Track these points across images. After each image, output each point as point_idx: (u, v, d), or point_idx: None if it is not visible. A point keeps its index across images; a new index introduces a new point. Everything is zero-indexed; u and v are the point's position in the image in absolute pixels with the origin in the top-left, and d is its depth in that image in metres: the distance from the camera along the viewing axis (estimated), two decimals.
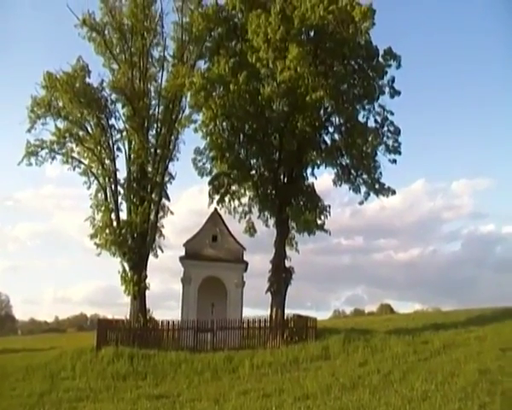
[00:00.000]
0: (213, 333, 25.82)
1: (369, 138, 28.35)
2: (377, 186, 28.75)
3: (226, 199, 30.63)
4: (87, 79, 28.88)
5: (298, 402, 13.89)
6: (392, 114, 29.08)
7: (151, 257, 29.67)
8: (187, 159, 31.25)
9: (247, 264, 31.80)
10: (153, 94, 30.83)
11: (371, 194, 29.22)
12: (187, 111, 29.92)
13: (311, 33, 28.23)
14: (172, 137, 30.41)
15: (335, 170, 29.96)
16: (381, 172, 28.93)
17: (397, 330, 26.67)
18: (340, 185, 30.26)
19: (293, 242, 30.39)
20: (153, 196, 29.64)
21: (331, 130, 30.21)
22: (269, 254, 29.37)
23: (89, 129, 29.29)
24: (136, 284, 27.87)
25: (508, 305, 32.97)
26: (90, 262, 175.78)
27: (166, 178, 30.47)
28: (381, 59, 28.21)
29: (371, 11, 26.37)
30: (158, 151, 30.06)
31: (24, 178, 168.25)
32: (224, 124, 29.05)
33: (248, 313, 37.00)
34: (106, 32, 30.22)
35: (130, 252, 28.28)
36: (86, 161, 29.44)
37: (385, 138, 28.79)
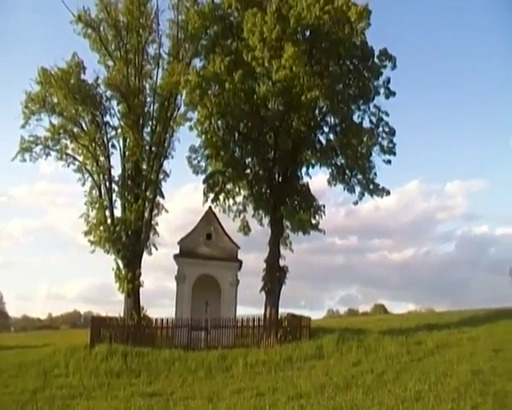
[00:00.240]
0: (207, 331, 25.89)
1: (364, 139, 28.42)
2: (372, 186, 28.84)
3: (221, 197, 30.61)
4: (82, 76, 28.66)
5: (291, 401, 13.92)
6: (387, 114, 29.16)
7: (145, 255, 29.60)
8: (182, 157, 31.27)
9: (241, 262, 31.84)
10: (148, 91, 30.74)
11: (366, 194, 29.33)
12: (182, 109, 29.91)
13: (307, 33, 28.16)
14: (167, 135, 30.25)
15: (330, 170, 30.05)
16: (375, 173, 29.08)
17: (390, 330, 26.82)
18: (335, 185, 30.37)
19: (288, 241, 30.55)
20: (147, 193, 29.52)
21: (326, 130, 30.32)
22: (263, 253, 29.49)
23: (83, 126, 29.06)
24: (130, 281, 27.78)
25: (500, 306, 33.13)
26: (84, 259, 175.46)
27: (161, 176, 30.35)
28: (376, 60, 28.26)
29: (367, 11, 26.48)
30: (153, 149, 29.94)
31: (18, 175, 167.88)
32: (220, 122, 29.06)
33: (242, 311, 36.95)
34: (101, 28, 30.00)
35: (125, 249, 28.19)
36: (81, 158, 29.26)
37: (380, 139, 28.88)
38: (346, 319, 49.61)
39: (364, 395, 13.82)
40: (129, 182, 29.28)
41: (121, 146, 29.67)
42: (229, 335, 26.08)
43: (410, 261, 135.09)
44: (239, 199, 31.31)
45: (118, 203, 29.27)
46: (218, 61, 27.03)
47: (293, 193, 29.23)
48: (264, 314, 27.86)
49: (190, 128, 28.86)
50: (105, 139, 29.31)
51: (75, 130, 29.01)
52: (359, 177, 29.16)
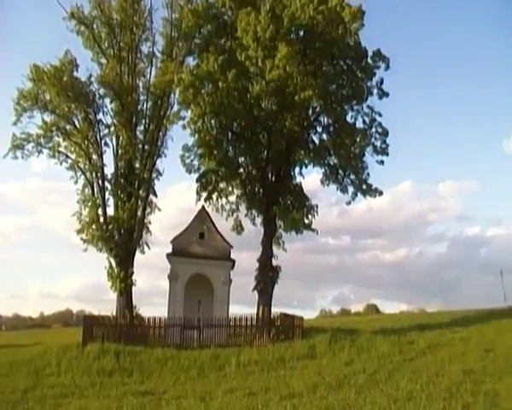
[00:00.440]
0: (200, 330, 25.88)
1: (357, 139, 28.51)
2: (364, 187, 28.90)
3: (214, 196, 30.60)
4: (75, 73, 28.57)
5: (284, 401, 13.93)
6: (380, 115, 29.25)
7: (138, 253, 29.58)
8: (175, 155, 31.21)
9: (234, 262, 31.88)
10: (141, 89, 30.72)
11: (358, 194, 29.35)
12: (175, 107, 29.95)
13: (301, 33, 28.16)
14: (160, 134, 30.25)
15: (323, 170, 30.12)
16: (368, 173, 29.16)
17: (383, 330, 26.87)
18: (328, 185, 30.41)
19: (281, 240, 30.58)
20: (140, 192, 29.48)
21: (319, 130, 30.38)
22: (256, 253, 29.52)
23: (76, 123, 28.98)
24: (123, 280, 27.76)
25: (491, 306, 33.32)
26: (77, 258, 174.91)
27: (154, 175, 30.35)
28: (369, 60, 28.35)
29: (361, 12, 26.53)
30: (146, 147, 29.90)
31: (9, 172, 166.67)
32: (213, 121, 29.05)
33: (235, 310, 37.14)
34: (94, 25, 29.96)
35: (117, 248, 28.14)
36: (73, 156, 29.17)
37: (373, 139, 28.94)
38: (339, 319, 49.72)
39: (357, 395, 13.88)
40: (122, 180, 29.23)
41: (114, 144, 29.69)
42: (221, 334, 26.07)
43: (403, 261, 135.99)
44: (232, 198, 31.38)
45: (110, 202, 29.32)
46: (212, 60, 27.01)
47: (286, 193, 29.27)
48: (257, 314, 27.86)
49: (183, 127, 28.82)
50: (98, 137, 29.23)
51: (68, 127, 28.94)
52: (352, 177, 29.23)
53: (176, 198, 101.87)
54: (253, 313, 27.97)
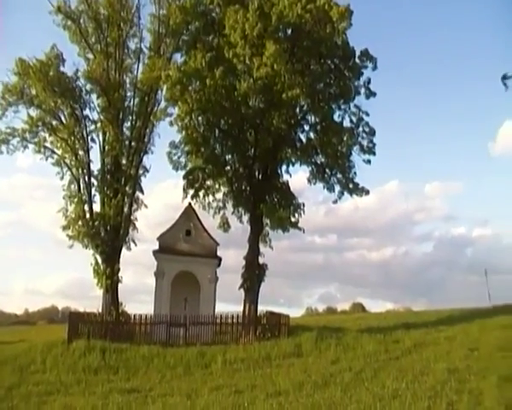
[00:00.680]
0: (186, 328, 25.82)
1: (344, 138, 28.61)
2: (351, 186, 29.05)
3: (200, 194, 30.58)
4: (61, 68, 28.44)
5: (270, 399, 13.96)
6: (367, 114, 29.42)
7: (124, 250, 29.51)
8: (162, 152, 31.12)
9: (220, 259, 31.91)
10: (128, 86, 30.58)
11: (345, 193, 29.50)
12: (162, 104, 29.79)
13: (289, 31, 28.21)
14: (147, 130, 30.13)
15: (310, 168, 30.25)
16: (355, 172, 29.32)
17: (369, 328, 27.08)
18: (315, 184, 30.51)
19: (267, 238, 30.63)
20: (127, 188, 29.35)
21: (306, 128, 30.52)
22: (242, 250, 29.60)
23: (62, 119, 28.82)
24: (109, 277, 27.65)
25: (476, 306, 33.63)
26: (62, 254, 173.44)
27: (141, 171, 30.22)
28: (357, 60, 28.54)
29: (348, 12, 26.64)
30: (132, 143, 29.77)
31: None
32: (200, 118, 29.05)
33: (221, 308, 37.03)
34: (81, 20, 29.73)
35: (103, 244, 28.04)
36: (59, 152, 28.99)
37: (360, 139, 29.10)
38: (325, 318, 49.81)
39: (342, 393, 13.93)
40: (108, 177, 29.10)
41: (101, 140, 29.54)
42: (207, 332, 26.05)
43: (389, 261, 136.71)
44: (219, 196, 31.36)
45: (97, 198, 29.21)
46: (200, 57, 26.93)
47: (272, 191, 29.36)
48: (243, 311, 27.92)
49: (171, 124, 28.81)
50: (84, 133, 29.07)
51: (54, 123, 28.77)
52: (339, 176, 29.36)
53: (162, 195, 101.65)
54: (239, 310, 28.13)
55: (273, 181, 29.66)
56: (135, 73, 30.47)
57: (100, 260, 28.20)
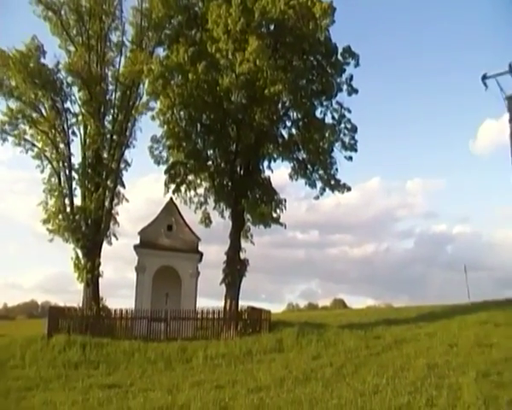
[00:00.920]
0: (167, 323, 25.82)
1: (326, 134, 28.77)
2: (333, 182, 29.25)
3: (182, 189, 30.59)
4: (42, 60, 28.02)
5: (251, 394, 13.99)
6: (349, 111, 29.62)
7: (105, 244, 29.32)
8: (144, 147, 30.99)
9: (201, 254, 31.89)
10: (110, 79, 30.30)
11: (327, 189, 29.69)
12: (144, 98, 29.55)
13: (272, 27, 28.29)
14: (129, 124, 29.89)
15: (292, 164, 30.44)
16: (337, 169, 29.52)
17: (350, 324, 27.23)
18: (297, 180, 30.73)
19: (249, 234, 30.74)
20: (108, 182, 29.14)
21: (288, 124, 30.71)
22: (224, 246, 29.68)
23: (43, 111, 28.49)
24: (90, 271, 27.46)
25: (456, 302, 34.05)
26: (42, 248, 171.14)
27: (122, 165, 29.99)
28: (339, 57, 28.72)
29: (331, 8, 26.73)
30: (114, 137, 29.53)
31: None
32: (182, 113, 29.04)
33: (203, 303, 37.14)
34: (62, 12, 29.27)
35: (84, 239, 27.83)
36: (40, 144, 28.66)
37: (341, 135, 29.28)
38: (306, 313, 50.09)
39: (323, 389, 14.03)
40: (89, 170, 28.82)
41: (82, 134, 29.24)
42: (189, 327, 26.06)
43: (370, 257, 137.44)
44: (200, 191, 31.43)
45: (78, 192, 28.94)
46: (182, 52, 26.86)
47: (254, 186, 29.41)
48: (225, 307, 27.99)
49: (152, 118, 28.81)
50: (65, 126, 28.77)
51: (34, 115, 28.42)
52: (321, 172, 29.54)
53: (144, 189, 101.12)
54: (220, 306, 28.20)
55: (255, 177, 29.73)
56: (117, 66, 30.25)
57: (80, 255, 28.01)
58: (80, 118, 29.21)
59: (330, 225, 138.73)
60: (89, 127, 28.88)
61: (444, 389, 12.79)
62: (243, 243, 29.97)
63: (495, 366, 14.89)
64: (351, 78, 29.21)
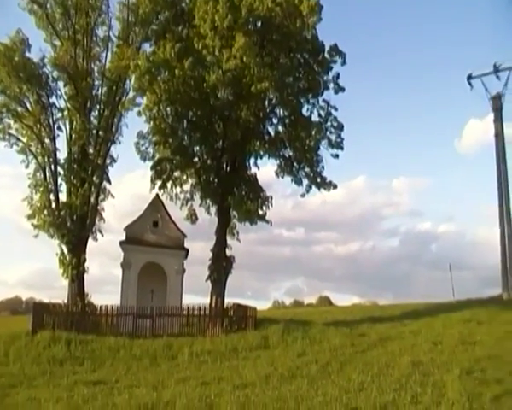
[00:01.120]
0: (153, 319, 25.77)
1: (313, 132, 28.75)
2: (319, 180, 29.27)
3: (168, 185, 30.36)
4: (27, 54, 27.92)
5: (236, 391, 13.95)
6: (335, 109, 29.63)
7: (90, 240, 29.32)
8: (130, 142, 30.85)
9: (187, 251, 31.92)
10: (96, 74, 30.25)
11: (313, 187, 29.67)
12: (130, 94, 29.63)
13: (259, 24, 28.16)
14: (115, 120, 29.91)
15: (278, 161, 30.37)
16: (323, 166, 29.51)
17: (335, 322, 27.30)
18: (283, 177, 30.64)
19: (235, 231, 30.77)
20: (94, 178, 29.06)
21: (275, 121, 30.63)
22: (210, 242, 29.61)
23: (28, 106, 28.36)
24: (75, 267, 27.39)
25: (440, 300, 34.31)
26: (27, 243, 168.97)
27: (108, 161, 30.03)
28: (326, 55, 28.77)
29: (318, 6, 26.73)
30: (100, 133, 29.48)
31: None
32: (168, 109, 28.81)
33: (188, 300, 37.03)
34: (48, 5, 29.11)
35: (69, 234, 27.71)
36: (24, 139, 28.55)
37: (328, 133, 29.29)
38: (292, 311, 50.14)
39: (309, 386, 14.04)
40: (75, 166, 28.74)
41: (67, 129, 29.16)
42: (174, 323, 26.02)
43: (356, 255, 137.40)
44: (186, 187, 31.23)
45: (63, 187, 28.86)
46: (169, 48, 26.76)
47: (240, 183, 29.39)
48: (210, 304, 27.97)
49: (138, 113, 28.49)
50: (51, 121, 28.69)
51: (19, 109, 28.31)
52: (307, 170, 29.54)
53: (130, 185, 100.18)
54: (206, 302, 28.12)
55: (241, 173, 29.73)
56: (103, 61, 30.19)
57: (66, 250, 27.94)
58: (66, 113, 29.09)
59: (316, 222, 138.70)
60: (74, 122, 28.74)
61: (428, 386, 12.86)
62: (229, 240, 30.05)
63: (478, 364, 15.02)
64: (337, 76, 29.28)
